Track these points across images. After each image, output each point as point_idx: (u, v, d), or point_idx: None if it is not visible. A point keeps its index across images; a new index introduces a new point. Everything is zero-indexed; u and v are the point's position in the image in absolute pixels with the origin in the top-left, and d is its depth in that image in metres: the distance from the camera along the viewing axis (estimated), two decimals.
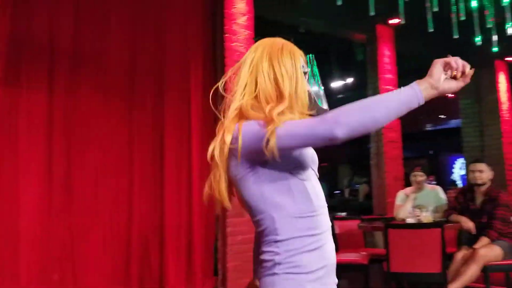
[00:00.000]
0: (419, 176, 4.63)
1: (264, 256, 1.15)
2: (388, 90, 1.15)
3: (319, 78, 1.33)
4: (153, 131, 3.78)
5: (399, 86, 4.16)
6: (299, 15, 4.88)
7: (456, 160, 14.24)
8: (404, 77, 6.34)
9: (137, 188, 3.64)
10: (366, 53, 6.01)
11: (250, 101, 1.17)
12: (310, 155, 1.20)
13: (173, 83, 3.91)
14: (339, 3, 3.55)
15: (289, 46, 1.25)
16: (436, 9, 3.83)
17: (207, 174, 3.85)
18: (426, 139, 13.91)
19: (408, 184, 4.94)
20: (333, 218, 5.03)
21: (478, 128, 6.58)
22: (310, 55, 1.34)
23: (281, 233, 1.14)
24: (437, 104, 10.22)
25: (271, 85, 1.18)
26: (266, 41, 1.26)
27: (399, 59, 5.69)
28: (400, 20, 4.39)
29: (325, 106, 1.30)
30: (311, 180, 1.19)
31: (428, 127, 13.35)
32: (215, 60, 4.11)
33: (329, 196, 9.42)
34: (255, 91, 1.18)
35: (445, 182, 14.33)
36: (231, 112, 1.16)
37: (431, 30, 4.16)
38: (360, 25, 5.38)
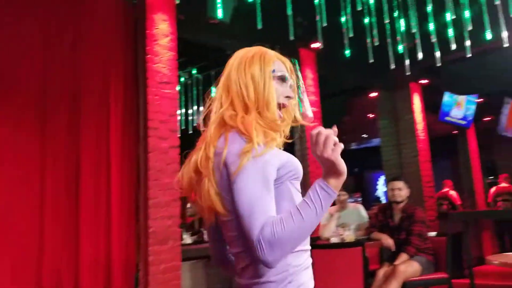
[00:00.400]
0: (342, 195, 4.75)
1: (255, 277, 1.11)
2: (312, 112, 1.15)
3: (301, 84, 1.31)
4: (68, 158, 3.55)
5: (322, 108, 4.26)
6: (223, 38, 4.89)
7: (379, 177, 14.90)
8: (327, 99, 6.56)
9: (49, 219, 3.38)
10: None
11: (227, 111, 1.16)
12: (300, 166, 1.19)
13: (91, 107, 3.71)
14: (259, 27, 3.59)
15: (263, 52, 1.24)
16: (351, 34, 3.98)
17: (127, 202, 3.66)
18: (352, 158, 14.45)
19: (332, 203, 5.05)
20: None
21: (396, 146, 6.92)
22: (294, 60, 1.31)
23: None
24: (360, 124, 10.66)
25: (239, 93, 1.17)
26: (243, 50, 1.26)
27: (321, 82, 5.86)
28: (320, 44, 4.53)
29: (309, 112, 1.28)
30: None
31: (353, 146, 13.92)
32: (137, 82, 3.98)
33: None
34: (229, 100, 1.18)
35: (370, 198, 14.94)
36: (211, 123, 1.17)
37: (348, 55, 4.33)
38: (283, 49, 5.48)
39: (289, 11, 3.74)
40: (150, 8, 4.01)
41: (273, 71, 1.20)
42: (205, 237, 5.04)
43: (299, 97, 1.30)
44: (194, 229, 5.68)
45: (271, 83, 1.19)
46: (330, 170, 1.06)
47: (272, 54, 1.25)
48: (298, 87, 1.30)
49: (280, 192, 1.11)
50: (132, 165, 3.84)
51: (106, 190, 3.69)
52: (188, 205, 6.26)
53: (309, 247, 1.19)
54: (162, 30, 4.06)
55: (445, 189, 8.47)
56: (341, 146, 1.05)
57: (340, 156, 1.05)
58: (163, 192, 3.82)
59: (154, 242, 3.69)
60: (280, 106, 1.22)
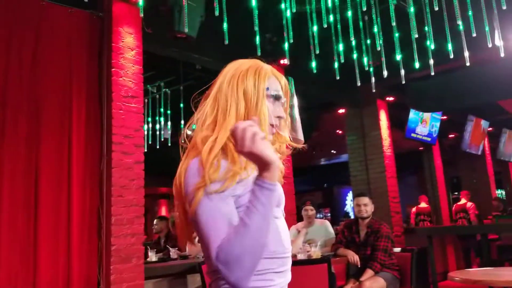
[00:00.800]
0: (309, 210, 4.76)
1: None
2: None
3: (294, 105, 1.26)
4: (26, 172, 3.42)
5: None
6: (191, 52, 4.87)
7: (348, 192, 15.07)
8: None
9: (5, 235, 3.23)
10: None
11: (201, 133, 1.10)
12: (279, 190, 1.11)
13: (51, 120, 3.59)
14: (226, 42, 3.59)
15: (258, 66, 1.17)
16: (318, 51, 4.03)
17: (89, 218, 3.56)
18: (321, 173, 14.59)
19: (300, 218, 5.04)
20: None
21: (363, 162, 7.01)
22: (290, 78, 1.25)
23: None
24: (328, 140, 10.76)
25: (227, 109, 1.11)
26: (237, 62, 1.19)
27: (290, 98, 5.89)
28: (287, 61, 4.57)
29: (299, 136, 1.23)
30: (281, 219, 1.14)
31: (322, 161, 14.05)
32: (101, 95, 3.91)
33: None
34: (213, 115, 1.12)
35: (339, 214, 15.07)
36: (191, 144, 1.12)
37: (315, 71, 4.37)
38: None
39: (257, 27, 3.76)
40: (116, 21, 3.96)
41: (267, 88, 1.14)
42: (171, 254, 4.94)
43: (292, 118, 1.26)
44: (160, 246, 5.56)
45: (264, 101, 1.13)
46: (260, 164, 0.99)
47: (268, 69, 1.18)
48: (291, 106, 1.26)
49: None
50: (94, 180, 3.74)
51: (67, 206, 3.56)
52: (155, 221, 6.14)
53: (281, 269, 1.11)
54: (128, 44, 4.01)
55: (462, 201, 8.55)
56: (261, 135, 0.97)
57: (264, 146, 0.97)
58: (127, 209, 3.73)
59: (117, 260, 3.59)
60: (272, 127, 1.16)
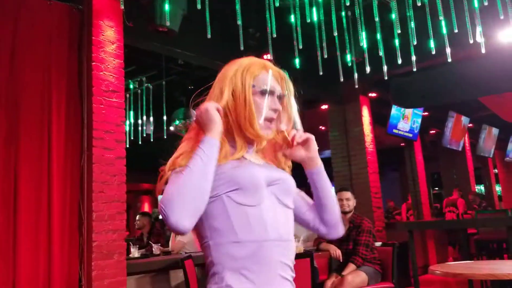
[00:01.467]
0: None
1: None
2: None
3: (292, 97, 1.28)
4: (5, 168, 3.35)
5: None
6: (173, 46, 4.82)
7: (331, 188, 15.18)
8: None
9: None
10: None
11: (188, 133, 1.19)
12: (252, 177, 1.14)
13: (31, 116, 3.51)
14: (209, 36, 3.56)
15: (248, 64, 1.22)
16: (300, 46, 4.03)
17: (69, 215, 3.49)
18: (303, 169, 14.63)
19: None
20: None
21: (346, 158, 7.04)
22: (285, 71, 1.27)
23: (216, 263, 1.09)
24: None
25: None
26: (229, 64, 1.25)
27: None
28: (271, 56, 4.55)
29: (298, 125, 1.28)
30: (259, 206, 1.12)
31: None
32: (81, 90, 3.84)
33: None
34: None
35: None
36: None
37: (298, 67, 4.37)
38: (235, 60, 5.49)
39: (240, 22, 3.73)
40: (96, 14, 3.89)
41: (253, 86, 1.19)
42: (154, 250, 4.90)
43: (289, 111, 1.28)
44: (143, 242, 5.52)
45: (250, 98, 1.17)
46: (205, 126, 1.11)
47: (257, 66, 1.23)
48: (290, 98, 1.27)
49: (212, 208, 1.09)
50: (75, 176, 3.68)
51: (47, 202, 3.50)
52: (137, 217, 6.09)
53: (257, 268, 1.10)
54: (109, 37, 3.94)
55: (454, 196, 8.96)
56: (211, 106, 1.12)
57: (210, 112, 1.11)
58: (108, 205, 3.68)
59: (98, 256, 3.54)
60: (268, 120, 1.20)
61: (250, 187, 1.12)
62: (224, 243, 1.09)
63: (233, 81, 1.18)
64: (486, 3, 3.78)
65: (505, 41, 5.02)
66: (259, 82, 1.20)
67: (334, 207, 1.31)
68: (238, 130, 1.18)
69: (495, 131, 11.47)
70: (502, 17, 3.97)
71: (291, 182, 1.27)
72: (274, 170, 1.25)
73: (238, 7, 3.68)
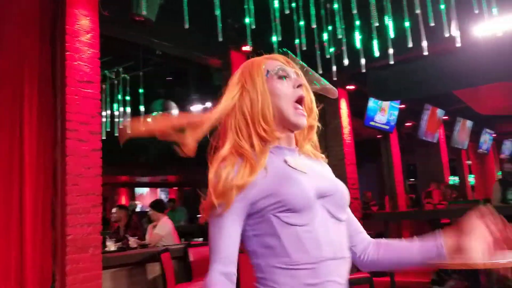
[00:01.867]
0: None
1: None
2: None
3: (305, 67, 1.25)
4: None
5: None
6: (150, 36, 4.74)
7: None
8: None
9: None
10: (223, 78, 6.07)
11: (212, 142, 1.13)
12: (303, 194, 1.03)
13: (1, 108, 3.42)
14: (187, 26, 3.50)
15: (250, 63, 1.18)
16: (279, 38, 4.00)
17: (41, 208, 3.41)
18: None
19: None
20: (188, 245, 4.90)
21: (324, 150, 7.04)
22: (285, 50, 1.25)
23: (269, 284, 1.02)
24: None
25: (232, 114, 1.13)
26: (240, 68, 1.19)
27: None
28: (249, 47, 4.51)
29: (327, 84, 1.27)
30: (312, 224, 1.02)
31: None
32: (54, 81, 3.74)
33: (189, 221, 9.27)
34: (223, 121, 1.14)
35: None
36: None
37: None
38: (214, 51, 5.44)
39: (218, 12, 3.68)
40: (70, 2, 3.78)
41: (267, 72, 1.14)
42: (131, 243, 4.85)
43: (311, 77, 1.25)
44: (119, 235, 5.45)
45: (265, 94, 1.12)
46: None
47: (260, 60, 1.18)
48: (305, 71, 1.24)
49: (260, 228, 1.04)
50: (48, 169, 3.59)
51: (19, 195, 3.41)
52: (113, 210, 6.01)
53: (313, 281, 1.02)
54: (83, 26, 3.85)
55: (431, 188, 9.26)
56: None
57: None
58: (83, 198, 3.61)
59: (73, 250, 3.48)
60: (298, 102, 1.14)
61: (301, 208, 1.02)
62: (276, 264, 1.02)
63: (241, 83, 1.14)
64: None
65: (480, 35, 5.09)
66: (271, 67, 1.15)
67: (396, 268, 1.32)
68: (280, 124, 1.14)
69: (469, 123, 11.71)
70: (477, 12, 4.02)
71: (346, 194, 1.16)
72: (322, 177, 1.16)
73: None
